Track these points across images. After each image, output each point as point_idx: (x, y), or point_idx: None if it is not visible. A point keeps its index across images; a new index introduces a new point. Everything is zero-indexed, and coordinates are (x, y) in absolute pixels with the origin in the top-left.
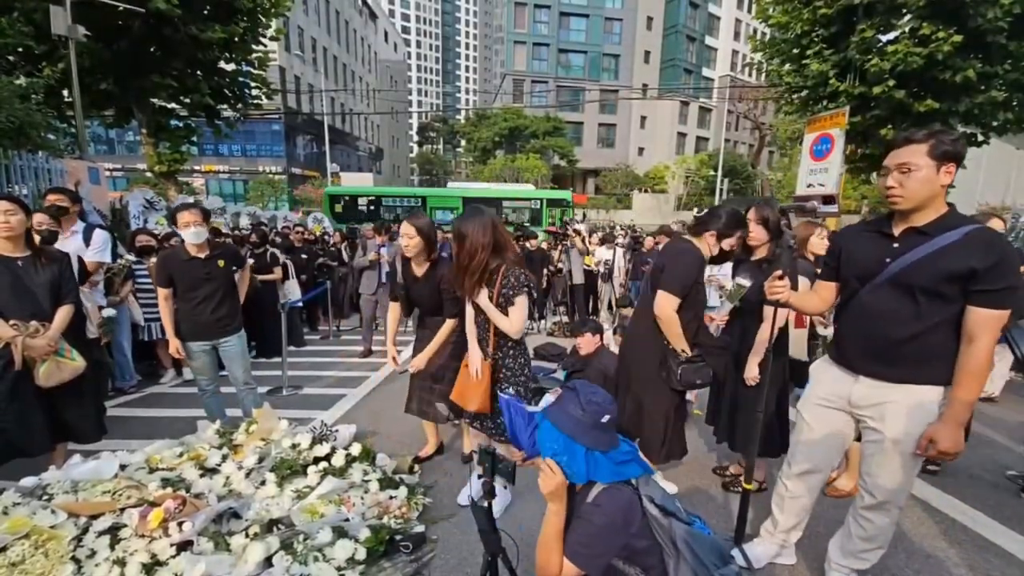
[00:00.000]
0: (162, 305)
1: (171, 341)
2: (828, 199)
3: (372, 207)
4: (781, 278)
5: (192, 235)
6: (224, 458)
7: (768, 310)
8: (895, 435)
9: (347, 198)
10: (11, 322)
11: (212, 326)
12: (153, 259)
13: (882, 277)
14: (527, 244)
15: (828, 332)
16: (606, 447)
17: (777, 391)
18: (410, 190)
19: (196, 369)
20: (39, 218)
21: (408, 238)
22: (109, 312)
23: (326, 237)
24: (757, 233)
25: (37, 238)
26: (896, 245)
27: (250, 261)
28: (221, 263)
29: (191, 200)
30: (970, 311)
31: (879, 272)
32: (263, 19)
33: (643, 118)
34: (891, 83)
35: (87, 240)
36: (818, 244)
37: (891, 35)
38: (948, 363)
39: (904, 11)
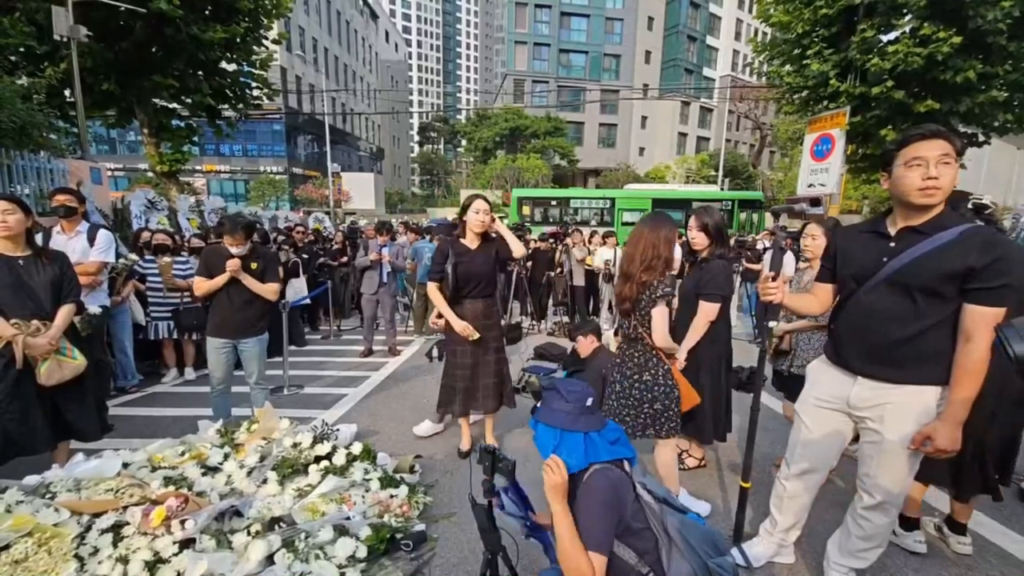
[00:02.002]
0: (204, 287)
1: (230, 265)
2: (815, 201)
3: (560, 209)
4: (774, 279)
5: (235, 252)
6: (226, 457)
7: (702, 304)
8: (895, 436)
9: (536, 200)
10: (12, 321)
11: (237, 324)
12: (165, 258)
13: (879, 277)
14: (538, 243)
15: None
16: (598, 426)
17: (712, 379)
18: (599, 192)
19: (211, 366)
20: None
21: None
22: (94, 309)
23: (326, 235)
24: (699, 238)
25: (38, 237)
26: (893, 244)
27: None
28: (254, 265)
29: (192, 200)
30: (967, 309)
31: (876, 272)
32: (264, 20)
33: (644, 118)
34: (890, 83)
35: (91, 240)
36: None
37: (892, 35)
38: (945, 363)
39: (905, 11)
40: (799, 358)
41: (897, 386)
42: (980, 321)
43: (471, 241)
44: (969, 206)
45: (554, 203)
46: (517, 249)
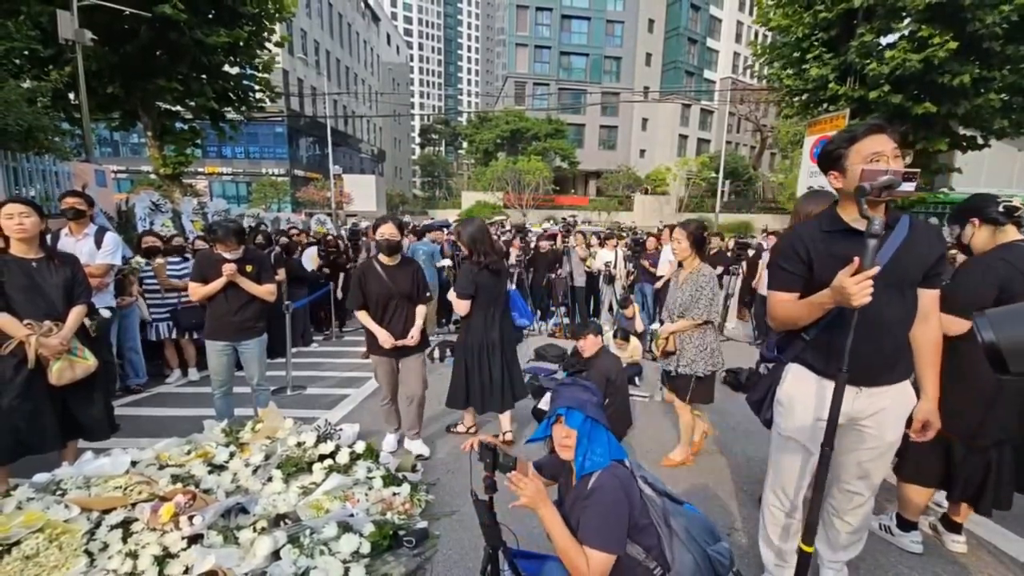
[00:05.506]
0: (200, 292)
1: (227, 269)
2: (910, 175)
3: None
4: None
5: (228, 257)
6: (231, 455)
7: None
8: (893, 439)
9: None
10: (25, 322)
11: (234, 327)
12: (158, 260)
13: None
14: (540, 244)
15: None
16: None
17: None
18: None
19: (212, 368)
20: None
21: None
22: (105, 312)
23: (335, 238)
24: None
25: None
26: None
27: (280, 275)
28: (249, 268)
29: (195, 202)
30: (926, 293)
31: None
32: (267, 23)
33: (644, 120)
34: (886, 88)
35: (98, 243)
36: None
37: (890, 38)
38: (911, 352)
39: (904, 14)
40: (684, 357)
41: (889, 387)
42: (935, 302)
43: None
44: (1000, 209)
45: None
46: None
